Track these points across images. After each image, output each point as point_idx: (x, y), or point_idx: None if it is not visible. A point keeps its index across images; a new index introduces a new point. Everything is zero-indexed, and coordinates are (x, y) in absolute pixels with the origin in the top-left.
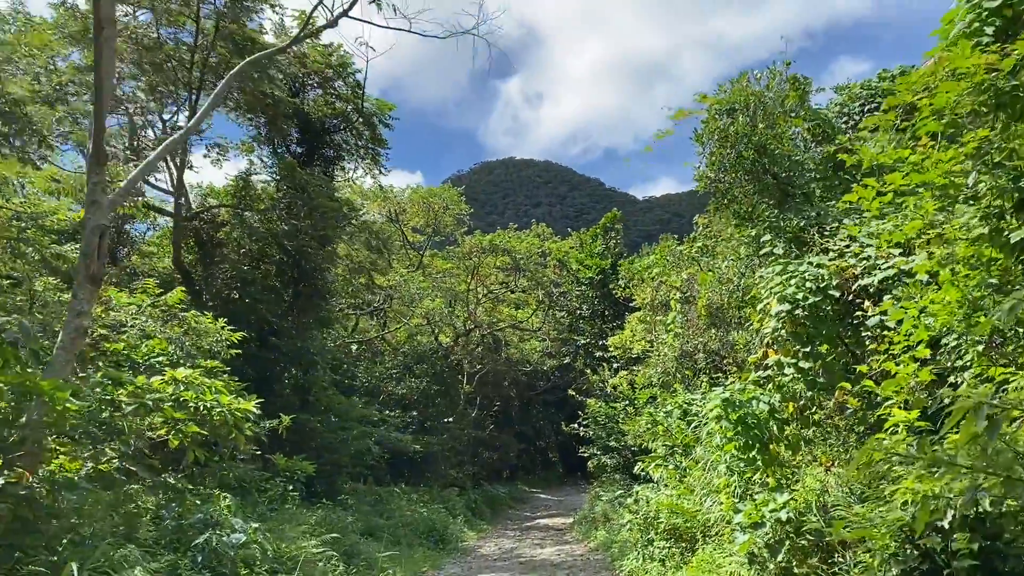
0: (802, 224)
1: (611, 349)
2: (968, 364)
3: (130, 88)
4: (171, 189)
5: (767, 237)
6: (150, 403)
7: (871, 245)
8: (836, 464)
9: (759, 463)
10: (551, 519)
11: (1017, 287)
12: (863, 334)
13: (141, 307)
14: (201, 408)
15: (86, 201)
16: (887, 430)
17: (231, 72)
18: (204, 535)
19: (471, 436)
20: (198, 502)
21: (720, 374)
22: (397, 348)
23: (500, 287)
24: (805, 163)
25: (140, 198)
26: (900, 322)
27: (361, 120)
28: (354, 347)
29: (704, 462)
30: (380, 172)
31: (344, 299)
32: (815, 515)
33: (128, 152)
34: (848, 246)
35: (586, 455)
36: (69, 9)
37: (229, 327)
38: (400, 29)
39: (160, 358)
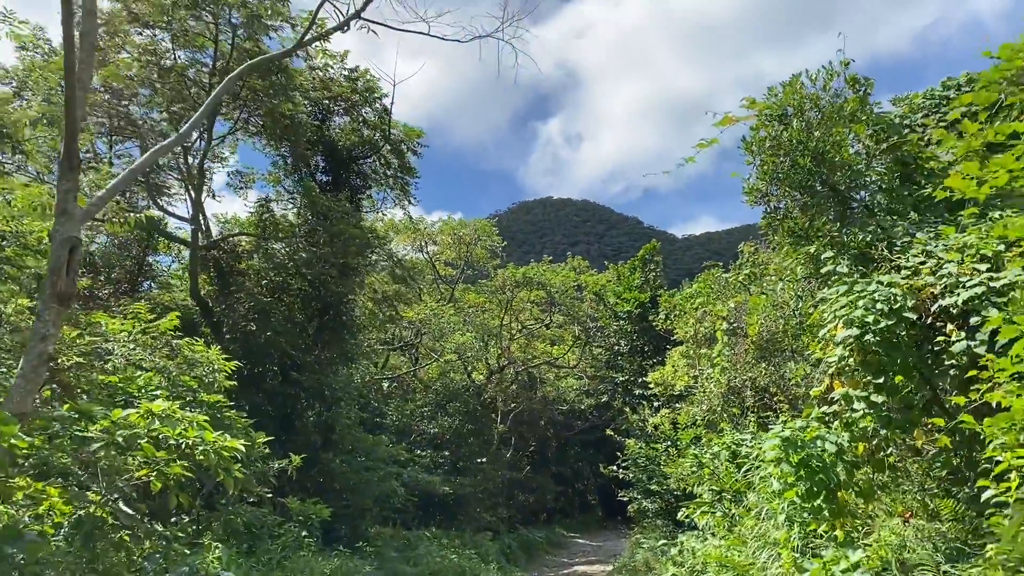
0: (868, 239)
1: (651, 386)
2: None
3: (148, 113)
4: (188, 216)
5: (828, 254)
6: (120, 439)
7: (952, 260)
8: (916, 515)
9: (825, 513)
10: (590, 566)
11: None
12: (946, 362)
13: (131, 334)
14: (183, 446)
15: (56, 210)
16: (994, 477)
17: (230, 75)
18: None
19: (506, 477)
20: (187, 552)
21: (770, 413)
22: (429, 385)
23: (535, 323)
24: (867, 173)
25: (134, 214)
26: (1008, 344)
27: (389, 148)
28: (385, 384)
29: (758, 510)
30: (409, 202)
31: (372, 333)
32: None
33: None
34: (923, 262)
35: (626, 499)
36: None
37: (247, 362)
38: (419, 32)
39: (157, 392)
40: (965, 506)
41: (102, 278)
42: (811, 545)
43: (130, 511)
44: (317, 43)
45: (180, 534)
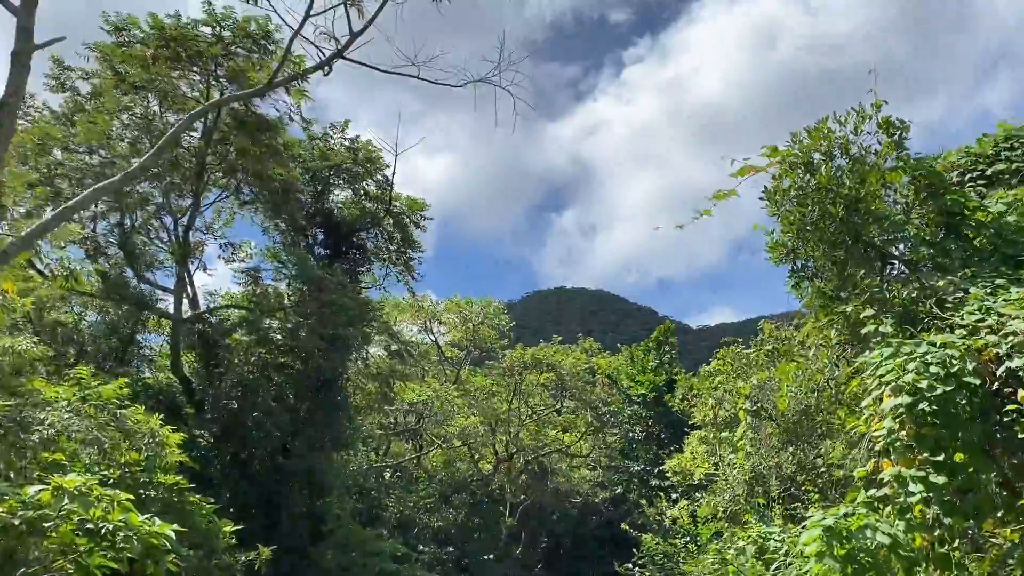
0: (914, 295)
1: (668, 475)
2: None
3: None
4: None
5: (868, 312)
6: (17, 522)
7: (1018, 317)
8: None
9: None
10: None
11: None
12: (1019, 435)
13: (70, 402)
14: (103, 531)
15: None
16: None
17: (195, 111)
18: None
19: None
20: None
21: (797, 504)
22: (433, 475)
23: (545, 408)
24: (907, 224)
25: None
26: None
27: (391, 220)
28: (387, 474)
29: None
30: (413, 278)
31: (371, 416)
32: None
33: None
34: (982, 319)
35: None
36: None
37: (231, 444)
38: (407, 75)
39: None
40: None
41: (84, 358)
42: None
43: None
44: (296, 83)
45: None
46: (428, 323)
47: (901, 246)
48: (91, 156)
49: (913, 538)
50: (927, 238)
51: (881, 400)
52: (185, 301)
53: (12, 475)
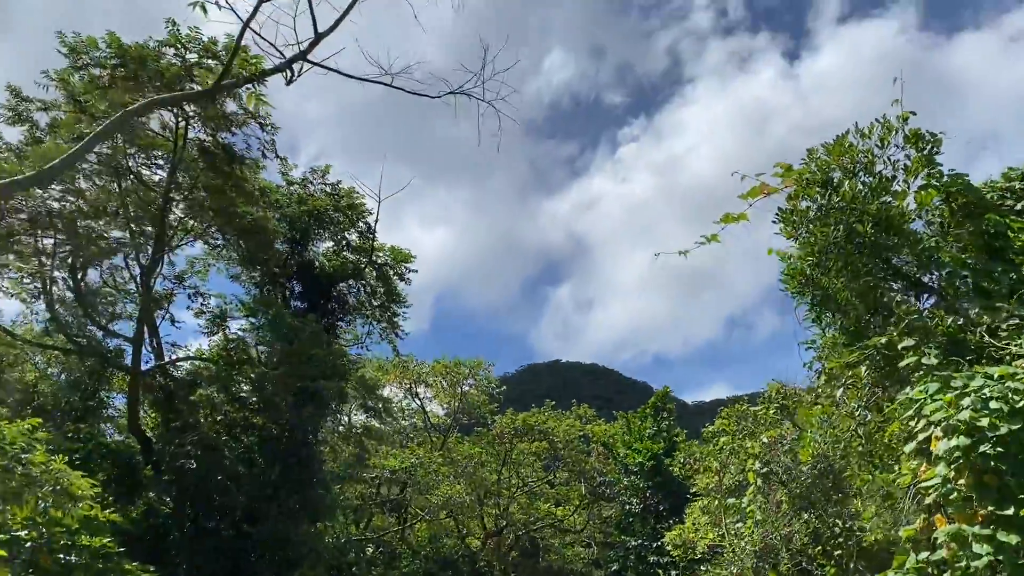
0: (959, 322)
1: (668, 548)
2: None
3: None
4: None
5: (908, 342)
6: None
7: None
8: None
9: None
10: None
11: None
12: None
13: None
14: None
15: None
16: None
17: (124, 111)
18: None
19: None
20: None
21: None
22: (417, 551)
23: (536, 480)
24: (943, 247)
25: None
26: None
27: (374, 273)
28: (369, 549)
29: None
30: (397, 335)
31: (351, 486)
32: None
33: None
34: None
35: None
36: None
37: (192, 510)
38: (379, 82)
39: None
40: None
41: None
42: None
43: None
44: (252, 86)
45: None
46: (413, 385)
47: (935, 272)
48: (46, 192)
49: None
50: (968, 262)
51: (930, 444)
52: (150, 353)
53: None
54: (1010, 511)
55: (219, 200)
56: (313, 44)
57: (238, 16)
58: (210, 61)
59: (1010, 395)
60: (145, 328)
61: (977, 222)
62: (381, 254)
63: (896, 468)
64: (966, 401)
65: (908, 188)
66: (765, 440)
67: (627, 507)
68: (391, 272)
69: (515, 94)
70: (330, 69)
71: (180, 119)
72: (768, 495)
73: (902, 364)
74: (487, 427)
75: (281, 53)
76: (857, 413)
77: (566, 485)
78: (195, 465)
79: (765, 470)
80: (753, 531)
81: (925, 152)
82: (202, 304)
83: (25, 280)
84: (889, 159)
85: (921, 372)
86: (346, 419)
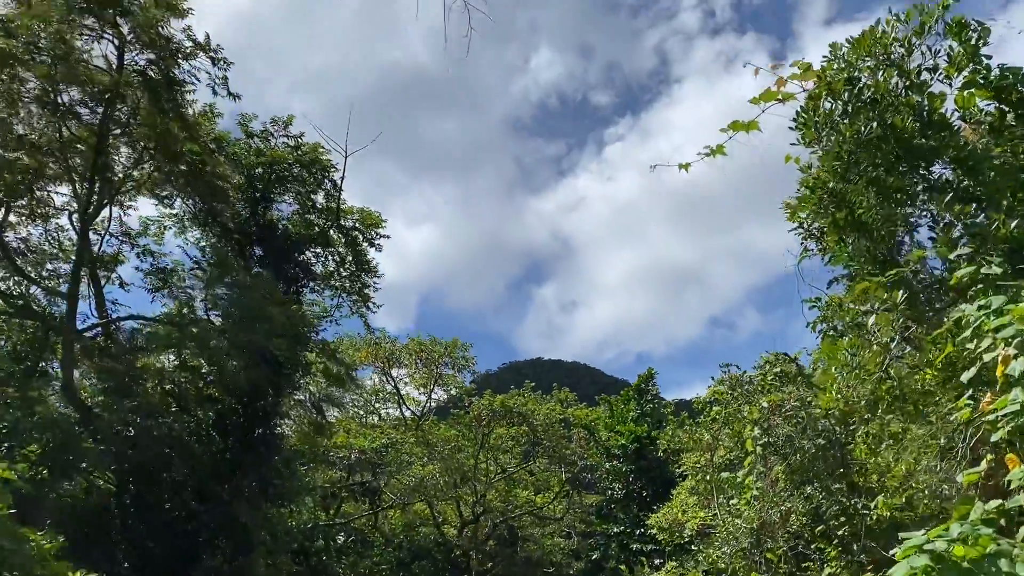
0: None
1: (654, 531)
2: None
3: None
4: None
5: (965, 250)
6: None
7: None
8: None
9: None
10: None
11: None
12: None
13: None
14: None
15: None
16: None
17: None
18: None
19: None
20: None
21: (809, 564)
22: (390, 539)
23: (515, 466)
24: (995, 149)
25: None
26: None
27: (342, 237)
28: (340, 538)
29: None
30: (368, 308)
31: (321, 470)
32: None
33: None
34: None
35: None
36: None
37: (133, 485)
38: None
39: None
40: None
41: None
42: None
43: None
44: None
45: None
46: (386, 365)
47: (983, 177)
48: None
49: None
50: None
51: (995, 369)
52: (94, 316)
53: None
54: None
55: (162, 137)
56: None
57: None
58: None
59: None
60: (90, 287)
61: None
62: (349, 217)
63: (932, 418)
64: None
65: (951, 86)
66: (765, 404)
67: (609, 492)
68: (360, 237)
69: None
70: None
71: (115, 39)
72: (768, 465)
73: (959, 273)
74: (464, 409)
75: None
76: (894, 345)
77: (546, 471)
78: (133, 433)
79: (764, 439)
80: (749, 507)
81: (969, 42)
82: (152, 264)
83: None
84: (930, 49)
85: (981, 284)
86: (308, 394)
